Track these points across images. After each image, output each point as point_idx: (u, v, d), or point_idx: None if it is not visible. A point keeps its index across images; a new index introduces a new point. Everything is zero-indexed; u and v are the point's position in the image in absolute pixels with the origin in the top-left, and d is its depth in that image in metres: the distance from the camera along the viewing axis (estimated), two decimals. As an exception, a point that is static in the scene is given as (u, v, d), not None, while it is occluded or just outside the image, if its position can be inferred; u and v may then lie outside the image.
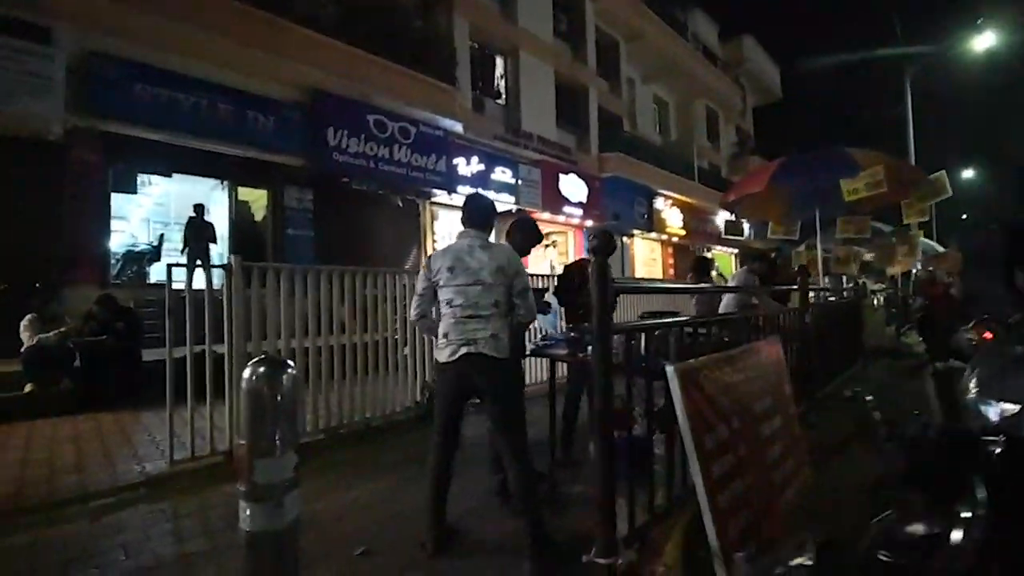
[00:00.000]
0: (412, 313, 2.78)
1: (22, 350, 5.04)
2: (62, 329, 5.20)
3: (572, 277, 4.19)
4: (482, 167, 10.79)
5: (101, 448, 4.02)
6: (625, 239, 15.84)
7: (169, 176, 7.67)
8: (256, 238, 8.37)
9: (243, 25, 6.97)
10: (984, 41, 12.88)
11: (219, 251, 7.72)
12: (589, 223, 13.74)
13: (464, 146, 10.60)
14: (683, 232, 17.23)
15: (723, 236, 19.07)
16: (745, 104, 24.24)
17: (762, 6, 45.62)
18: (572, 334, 3.23)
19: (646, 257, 17.13)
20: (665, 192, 16.22)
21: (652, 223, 15.93)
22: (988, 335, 3.53)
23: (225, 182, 8.15)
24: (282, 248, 8.22)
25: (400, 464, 3.76)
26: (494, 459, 3.08)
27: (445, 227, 11.91)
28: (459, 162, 10.40)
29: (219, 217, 8.00)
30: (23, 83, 5.66)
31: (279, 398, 1.37)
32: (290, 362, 1.49)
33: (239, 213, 8.39)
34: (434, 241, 10.74)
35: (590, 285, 2.00)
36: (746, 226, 19.20)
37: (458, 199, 10.66)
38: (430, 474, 2.65)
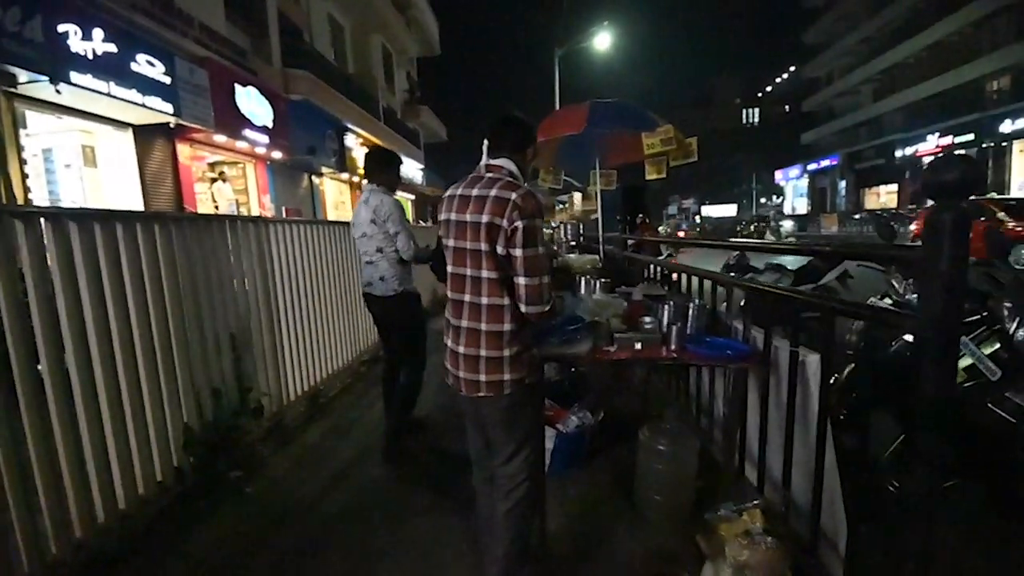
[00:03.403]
0: None
1: None
2: None
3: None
4: (112, 48, 6.64)
5: None
6: (314, 178, 13.27)
7: None
8: None
9: None
10: (602, 41, 15.33)
11: None
12: (277, 155, 10.73)
13: (80, 7, 6.33)
14: (373, 174, 15.62)
15: (404, 182, 18.43)
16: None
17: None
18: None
19: (336, 199, 14.89)
20: (356, 128, 14.16)
21: (344, 162, 13.76)
22: None
23: None
24: None
25: None
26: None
27: (45, 142, 7.21)
28: (68, 30, 6.14)
29: None
30: None
31: None
32: None
33: None
34: (21, 160, 6.27)
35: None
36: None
37: (72, 96, 6.43)
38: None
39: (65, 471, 1.98)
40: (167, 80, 7.54)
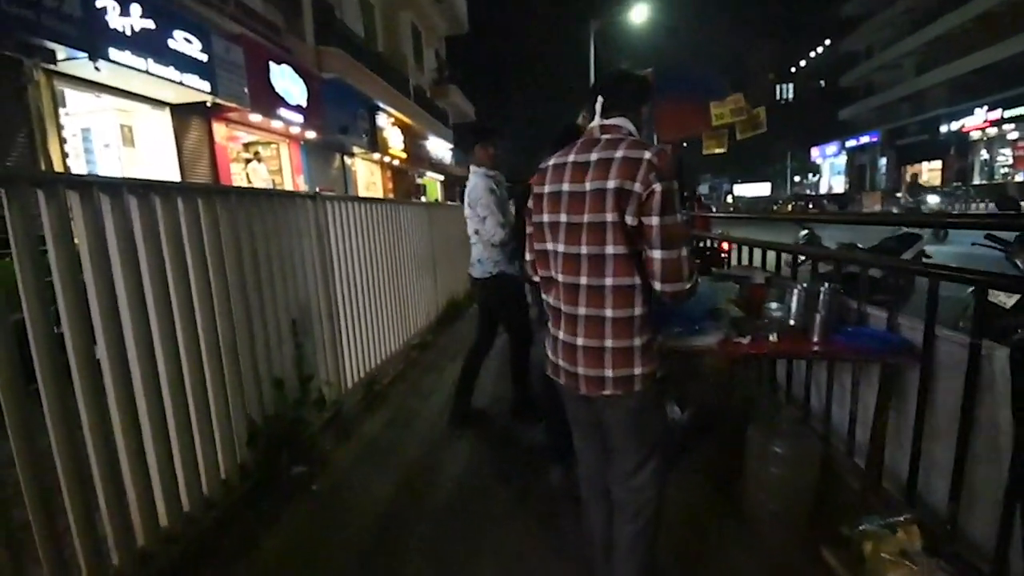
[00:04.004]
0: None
1: None
2: None
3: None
4: (150, 24, 6.42)
5: None
6: (346, 158, 13.05)
7: None
8: None
9: None
10: (639, 14, 14.61)
11: None
12: (311, 134, 10.51)
13: (115, -20, 6.11)
14: (404, 155, 15.31)
15: (434, 163, 18.18)
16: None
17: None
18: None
19: (367, 180, 14.66)
20: (387, 108, 13.83)
21: (376, 142, 13.47)
22: None
23: None
24: None
25: None
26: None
27: (84, 122, 7.09)
28: (107, 5, 5.93)
29: None
30: None
31: None
32: None
33: None
34: (61, 139, 6.15)
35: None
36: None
37: (111, 74, 6.26)
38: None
39: (126, 470, 1.77)
40: (204, 57, 7.32)
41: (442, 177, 20.73)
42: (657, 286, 1.33)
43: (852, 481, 2.18)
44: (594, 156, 1.36)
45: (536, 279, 1.61)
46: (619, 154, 1.31)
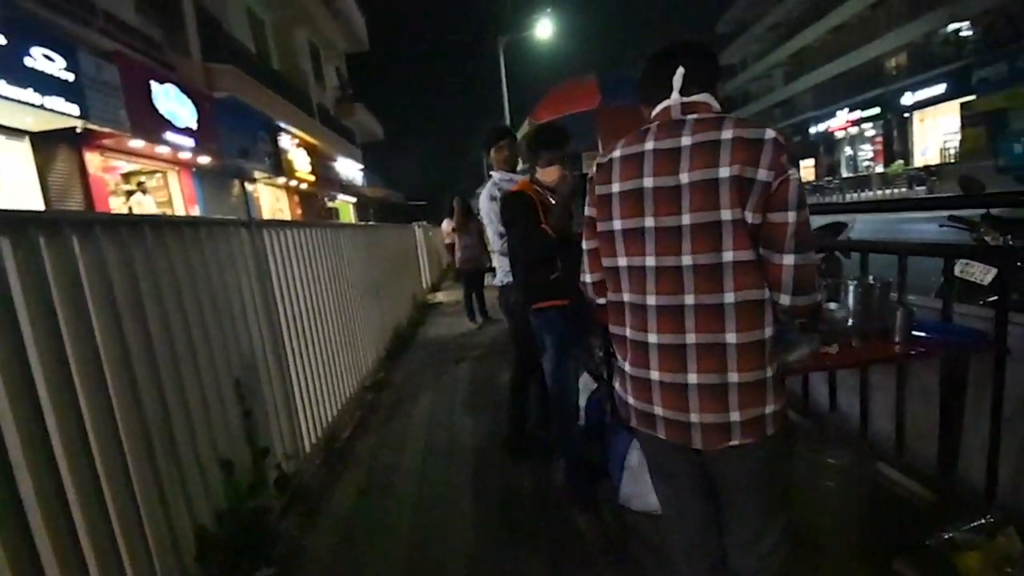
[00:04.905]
0: None
1: None
2: None
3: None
4: (0, 39, 5.38)
5: None
6: (248, 185, 11.90)
7: None
8: None
9: None
10: (544, 30, 14.88)
11: None
12: (204, 160, 9.41)
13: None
14: (312, 178, 14.31)
15: (344, 185, 17.29)
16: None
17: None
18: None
19: (272, 206, 13.48)
20: (290, 128, 12.86)
21: (280, 165, 12.43)
22: None
23: None
24: None
25: None
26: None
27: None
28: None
29: None
30: None
31: None
32: None
33: None
34: None
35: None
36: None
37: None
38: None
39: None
40: (70, 77, 6.23)
41: (354, 199, 19.75)
42: (785, 300, 1.06)
43: (911, 487, 2.05)
44: (687, 140, 1.07)
45: (601, 301, 1.28)
46: (728, 134, 1.03)
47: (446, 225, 9.53)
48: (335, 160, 16.93)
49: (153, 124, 7.98)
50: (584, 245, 1.30)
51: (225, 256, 2.22)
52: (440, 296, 9.72)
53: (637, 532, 2.10)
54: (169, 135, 8.36)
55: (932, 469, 1.97)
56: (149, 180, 9.41)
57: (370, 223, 5.18)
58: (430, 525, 2.31)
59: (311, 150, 14.38)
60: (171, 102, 8.48)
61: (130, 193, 8.76)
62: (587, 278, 1.32)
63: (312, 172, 14.29)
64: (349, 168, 18.60)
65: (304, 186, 14.22)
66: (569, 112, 4.80)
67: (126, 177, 8.98)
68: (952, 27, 19.71)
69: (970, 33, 19.13)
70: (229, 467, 1.97)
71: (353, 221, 19.44)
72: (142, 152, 8.27)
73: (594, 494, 2.25)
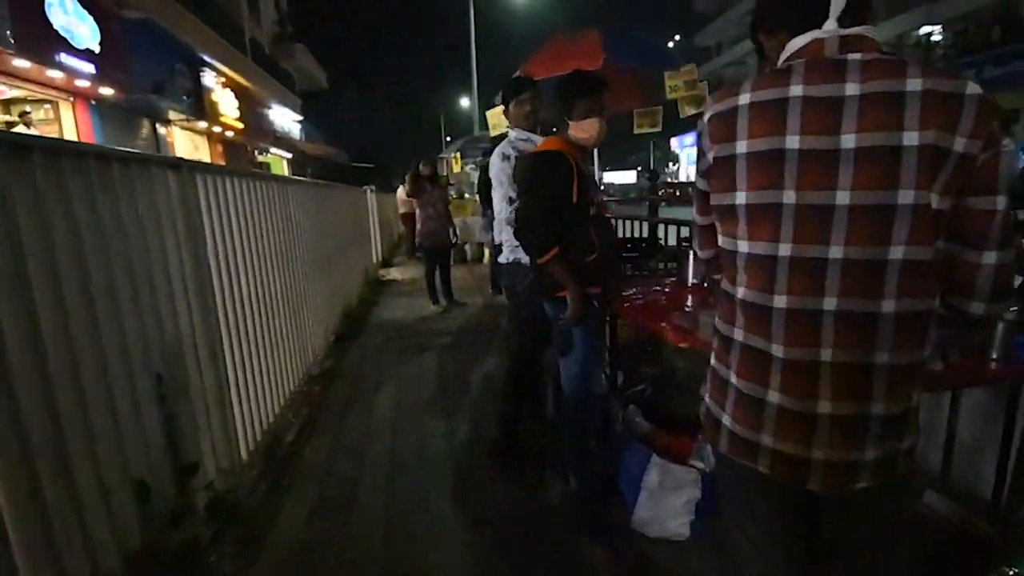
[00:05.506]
0: None
1: None
2: None
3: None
4: None
5: None
6: (160, 127, 10.78)
7: None
8: None
9: None
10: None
11: None
12: (107, 91, 8.35)
13: None
14: (240, 125, 13.18)
15: (279, 137, 16.22)
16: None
17: None
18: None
19: (189, 154, 12.35)
20: (217, 64, 11.74)
21: (202, 107, 11.33)
22: None
23: None
24: None
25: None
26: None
27: None
28: None
29: None
30: None
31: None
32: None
33: None
34: None
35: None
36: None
37: None
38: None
39: None
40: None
41: (289, 155, 18.54)
42: (978, 308, 0.88)
43: (961, 515, 1.95)
44: (854, 88, 0.81)
45: (717, 277, 1.05)
46: (917, 84, 0.78)
47: (402, 192, 9.02)
48: (269, 107, 15.77)
49: (44, 41, 6.97)
50: (698, 220, 1.07)
51: (145, 207, 1.76)
52: (394, 272, 9.22)
53: (654, 563, 1.90)
54: (64, 57, 7.34)
55: (987, 497, 1.89)
56: (36, 111, 8.29)
57: (319, 181, 4.70)
58: (403, 557, 1.99)
59: (240, 92, 13.23)
60: (69, 16, 7.44)
61: (11, 125, 7.68)
62: (702, 253, 1.15)
63: (240, 119, 13.17)
64: (285, 118, 17.43)
65: (230, 134, 13.11)
66: (566, 70, 4.50)
67: (5, 105, 7.91)
68: (924, 30, 20.78)
69: (941, 38, 20.24)
70: (144, 491, 1.56)
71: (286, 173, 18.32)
72: (27, 75, 7.25)
73: (610, 521, 2.03)
